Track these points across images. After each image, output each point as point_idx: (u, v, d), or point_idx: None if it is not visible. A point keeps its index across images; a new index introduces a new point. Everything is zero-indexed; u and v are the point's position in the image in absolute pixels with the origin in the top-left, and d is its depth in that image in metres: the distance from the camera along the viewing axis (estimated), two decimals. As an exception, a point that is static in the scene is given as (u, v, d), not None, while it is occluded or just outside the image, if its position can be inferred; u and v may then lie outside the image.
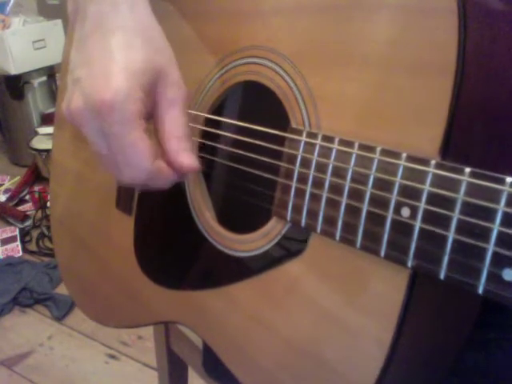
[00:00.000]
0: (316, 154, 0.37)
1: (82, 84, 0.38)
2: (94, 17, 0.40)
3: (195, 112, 0.51)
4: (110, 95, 0.37)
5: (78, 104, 0.38)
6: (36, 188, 2.21)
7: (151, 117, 0.41)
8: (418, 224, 0.31)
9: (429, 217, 0.30)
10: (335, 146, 0.36)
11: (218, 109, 0.50)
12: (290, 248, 0.41)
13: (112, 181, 0.61)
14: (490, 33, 0.31)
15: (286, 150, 0.40)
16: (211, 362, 0.63)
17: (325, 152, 0.37)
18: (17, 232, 1.95)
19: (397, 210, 0.32)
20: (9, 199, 2.16)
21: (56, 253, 0.75)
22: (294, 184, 0.39)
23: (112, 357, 1.42)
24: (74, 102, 0.39)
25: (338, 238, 0.36)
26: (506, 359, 0.44)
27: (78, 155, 0.68)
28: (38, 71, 2.40)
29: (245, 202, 0.48)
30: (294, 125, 0.40)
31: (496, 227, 0.27)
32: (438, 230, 0.30)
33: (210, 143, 0.50)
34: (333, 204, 0.36)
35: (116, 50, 0.38)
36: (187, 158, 0.41)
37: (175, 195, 0.53)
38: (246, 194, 0.48)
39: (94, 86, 0.37)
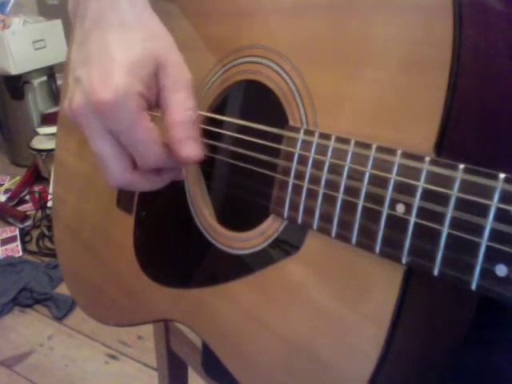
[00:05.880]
0: (313, 151, 0.38)
1: (82, 84, 0.39)
2: (93, 14, 0.40)
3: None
4: (110, 95, 0.37)
5: (79, 103, 0.38)
6: (36, 188, 2.21)
7: (157, 106, 0.41)
8: (412, 220, 0.31)
9: (423, 213, 0.30)
10: (332, 143, 0.36)
11: (218, 108, 0.50)
12: (286, 246, 0.41)
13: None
14: (485, 30, 0.31)
15: (283, 147, 0.41)
16: (211, 362, 0.63)
17: (321, 149, 0.37)
18: (17, 232, 1.96)
19: (392, 207, 0.32)
20: (9, 199, 2.16)
21: (58, 253, 0.75)
22: (291, 181, 0.40)
23: (112, 357, 1.42)
24: (75, 101, 0.39)
25: (333, 234, 0.36)
26: (506, 359, 0.44)
27: (85, 157, 0.68)
28: (38, 71, 2.41)
29: (243, 200, 0.48)
30: (291, 123, 0.41)
31: (489, 223, 0.27)
32: (432, 226, 0.30)
33: (209, 141, 0.50)
34: (329, 201, 0.36)
35: (114, 47, 0.39)
36: (189, 149, 0.39)
37: (175, 193, 0.53)
38: (244, 192, 0.48)
39: (94, 86, 0.37)
